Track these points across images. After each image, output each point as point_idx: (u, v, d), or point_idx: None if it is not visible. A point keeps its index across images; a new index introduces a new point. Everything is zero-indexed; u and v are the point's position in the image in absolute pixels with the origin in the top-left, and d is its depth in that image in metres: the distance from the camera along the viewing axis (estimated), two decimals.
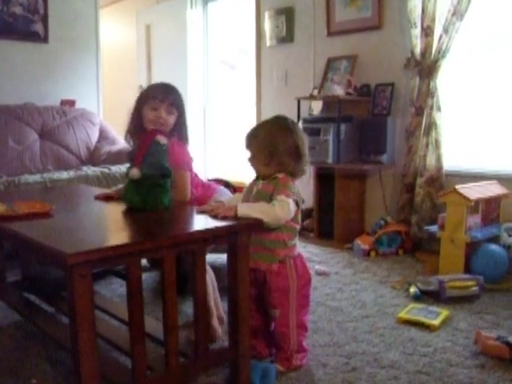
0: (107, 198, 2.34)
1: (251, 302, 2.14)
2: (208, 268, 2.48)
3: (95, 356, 1.48)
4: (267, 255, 2.08)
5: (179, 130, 2.43)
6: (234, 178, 3.96)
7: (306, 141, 2.11)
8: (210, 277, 2.48)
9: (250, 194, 2.13)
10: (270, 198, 2.01)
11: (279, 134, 2.05)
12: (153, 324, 2.09)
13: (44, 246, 1.51)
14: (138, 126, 2.42)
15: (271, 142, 2.04)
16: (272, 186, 2.05)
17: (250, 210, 1.93)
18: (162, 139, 2.01)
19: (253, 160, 2.11)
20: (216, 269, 2.63)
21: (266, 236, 2.06)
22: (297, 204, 2.04)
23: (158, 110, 2.36)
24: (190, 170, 2.45)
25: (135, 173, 1.95)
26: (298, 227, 2.15)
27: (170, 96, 2.39)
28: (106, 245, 1.50)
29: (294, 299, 2.10)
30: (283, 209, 1.96)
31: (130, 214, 2.01)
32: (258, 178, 2.17)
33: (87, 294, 1.44)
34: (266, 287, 2.10)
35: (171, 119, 2.39)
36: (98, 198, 2.37)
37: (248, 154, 2.13)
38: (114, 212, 2.15)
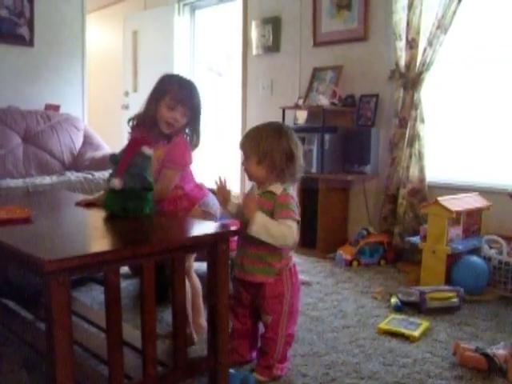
0: (88, 205, 2.32)
1: (244, 307, 2.17)
2: (194, 276, 2.46)
3: (71, 364, 1.46)
4: (264, 268, 2.08)
5: (191, 132, 2.44)
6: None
7: (299, 145, 2.11)
8: (196, 284, 2.46)
9: (265, 202, 2.11)
10: (268, 214, 2.02)
11: (273, 135, 2.06)
12: (131, 332, 2.07)
13: (21, 253, 1.49)
14: (150, 116, 2.39)
15: (265, 142, 2.05)
16: (271, 203, 2.05)
17: (263, 230, 1.96)
18: (147, 150, 1.99)
19: (246, 162, 2.11)
20: (200, 277, 2.62)
21: (263, 249, 2.07)
22: (298, 222, 2.07)
23: (175, 110, 2.34)
24: (184, 170, 2.43)
25: (117, 183, 1.93)
26: (297, 239, 2.14)
27: (190, 100, 2.38)
28: (84, 252, 1.49)
29: (286, 307, 2.11)
30: (293, 236, 2.00)
31: (110, 221, 2.00)
32: (252, 188, 2.19)
33: (64, 301, 1.42)
34: (261, 294, 2.11)
35: (184, 120, 2.38)
36: (79, 204, 2.35)
37: (242, 156, 2.14)
38: (95, 219, 2.14)
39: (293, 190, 2.14)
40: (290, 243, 2.02)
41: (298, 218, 2.05)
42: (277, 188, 2.07)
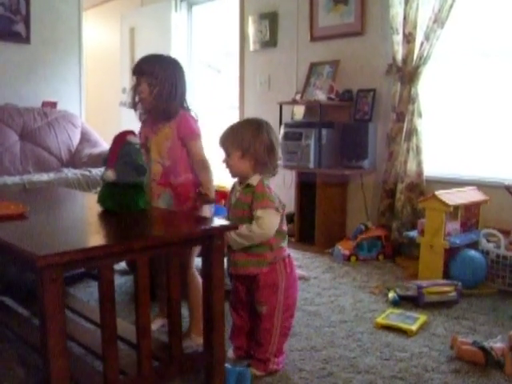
0: None
1: (241, 301, 2.18)
2: (196, 274, 2.36)
3: (65, 359, 1.46)
4: (255, 260, 2.09)
5: (161, 102, 2.30)
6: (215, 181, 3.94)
7: (278, 139, 2.18)
8: (197, 287, 2.34)
9: (231, 203, 2.16)
10: (249, 208, 2.05)
11: (253, 129, 2.09)
12: (127, 328, 2.07)
13: (15, 248, 1.49)
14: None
15: (245, 137, 2.07)
16: (250, 196, 2.07)
17: (237, 242, 2.04)
18: (134, 138, 2.00)
19: (228, 159, 2.12)
20: None
21: None
22: (277, 210, 2.07)
23: (138, 85, 2.32)
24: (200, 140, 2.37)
25: (110, 174, 1.93)
26: (286, 229, 2.15)
27: (142, 69, 2.31)
28: (77, 247, 1.48)
29: (281, 297, 2.11)
30: (262, 226, 2.02)
31: (105, 216, 1.99)
32: (234, 185, 2.20)
33: (57, 296, 1.42)
34: (255, 284, 2.11)
35: (151, 90, 2.29)
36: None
37: (223, 154, 2.14)
38: (90, 215, 2.13)
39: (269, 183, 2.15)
40: (267, 234, 2.04)
41: (275, 205, 2.05)
42: (254, 179, 2.09)
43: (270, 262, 2.09)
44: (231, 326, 2.24)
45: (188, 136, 2.31)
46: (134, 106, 2.40)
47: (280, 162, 2.21)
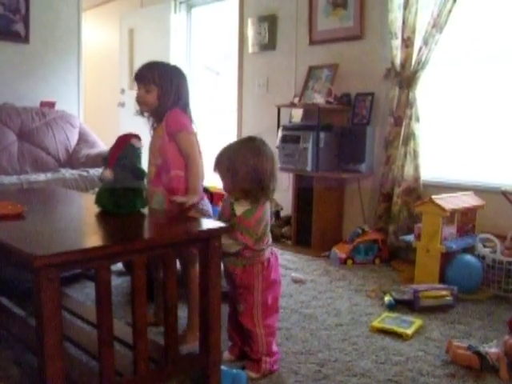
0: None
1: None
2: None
3: (61, 359, 1.46)
4: (234, 259, 2.11)
5: (164, 105, 2.34)
6: (213, 183, 3.95)
7: (271, 164, 2.08)
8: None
9: (227, 210, 2.15)
10: (226, 222, 2.05)
11: (240, 159, 2.05)
12: (124, 329, 2.07)
13: (11, 248, 1.49)
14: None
15: (232, 168, 2.05)
16: (229, 214, 2.09)
17: None
18: (137, 142, 2.00)
19: (222, 183, 2.14)
20: None
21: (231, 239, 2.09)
22: (242, 244, 2.08)
23: (139, 90, 2.36)
24: (191, 132, 2.35)
25: (108, 174, 1.94)
26: (255, 242, 2.10)
27: (145, 74, 2.35)
28: (74, 248, 1.48)
29: (259, 298, 2.12)
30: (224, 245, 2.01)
31: (102, 217, 1.99)
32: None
33: (54, 297, 1.42)
34: (234, 282, 2.15)
35: (150, 97, 2.33)
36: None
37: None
38: (87, 215, 2.14)
39: (264, 205, 2.12)
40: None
41: (245, 242, 2.06)
42: (240, 209, 2.07)
43: (245, 263, 2.11)
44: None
45: (175, 129, 2.30)
46: (140, 112, 2.43)
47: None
